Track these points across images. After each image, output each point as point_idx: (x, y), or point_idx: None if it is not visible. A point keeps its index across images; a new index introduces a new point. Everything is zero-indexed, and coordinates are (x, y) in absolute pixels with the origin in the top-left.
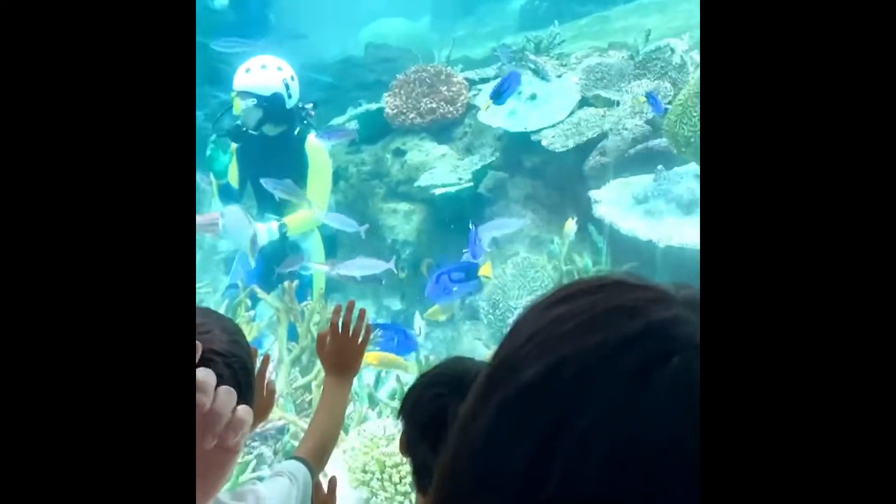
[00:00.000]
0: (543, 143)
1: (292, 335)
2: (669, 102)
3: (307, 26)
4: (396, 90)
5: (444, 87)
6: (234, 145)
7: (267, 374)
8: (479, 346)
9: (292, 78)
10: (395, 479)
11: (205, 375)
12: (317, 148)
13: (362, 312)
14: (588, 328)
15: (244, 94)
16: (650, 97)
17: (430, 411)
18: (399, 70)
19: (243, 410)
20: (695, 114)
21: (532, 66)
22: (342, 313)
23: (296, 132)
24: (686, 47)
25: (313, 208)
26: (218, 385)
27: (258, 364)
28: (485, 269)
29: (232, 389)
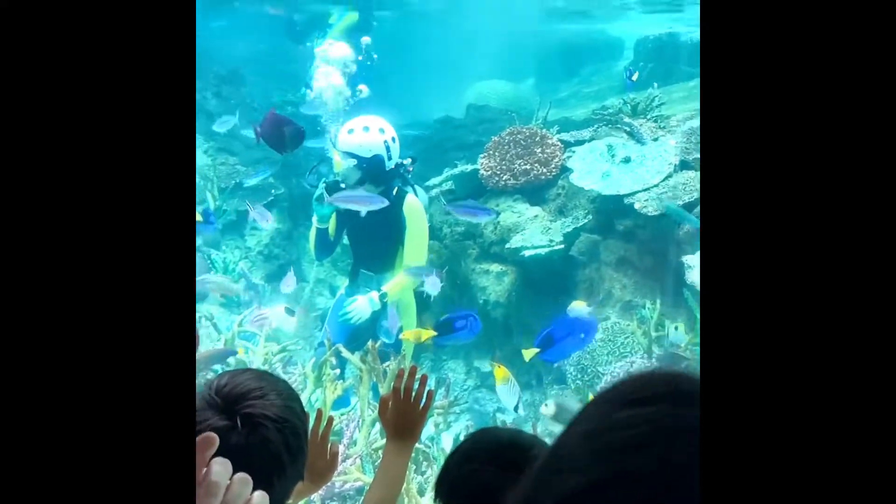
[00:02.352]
0: (636, 206)
1: (375, 396)
2: None
3: (413, 87)
4: (491, 151)
5: (539, 149)
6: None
7: (330, 436)
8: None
9: (393, 139)
10: None
11: (219, 468)
12: (415, 209)
13: (424, 378)
14: (643, 447)
15: (346, 155)
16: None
17: (469, 490)
18: (499, 131)
19: (258, 497)
20: None
21: (627, 128)
22: (405, 378)
23: (394, 192)
24: None
25: (410, 271)
26: (267, 448)
27: (322, 426)
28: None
29: (247, 479)
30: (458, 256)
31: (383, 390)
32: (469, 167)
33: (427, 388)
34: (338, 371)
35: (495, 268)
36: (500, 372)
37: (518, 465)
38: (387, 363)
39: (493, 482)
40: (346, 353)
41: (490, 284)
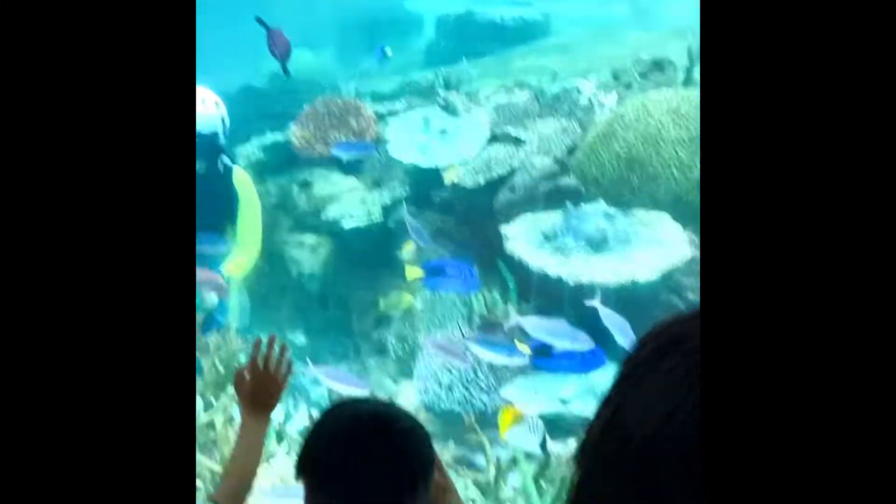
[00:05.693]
0: (453, 178)
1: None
2: (575, 144)
3: (210, 55)
4: (304, 121)
5: (354, 120)
6: None
7: None
8: (387, 381)
9: (227, 114)
10: None
11: None
12: (247, 183)
13: (284, 347)
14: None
15: None
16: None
17: (340, 474)
18: (304, 102)
19: None
20: (602, 154)
21: (441, 101)
22: (261, 348)
23: (220, 167)
24: (593, 89)
25: (248, 248)
26: None
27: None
28: None
29: None
30: (270, 229)
31: (206, 364)
32: (280, 137)
33: (286, 358)
34: None
35: (310, 239)
36: (511, 413)
37: (387, 442)
38: (211, 336)
39: (363, 463)
40: None
41: (305, 257)
